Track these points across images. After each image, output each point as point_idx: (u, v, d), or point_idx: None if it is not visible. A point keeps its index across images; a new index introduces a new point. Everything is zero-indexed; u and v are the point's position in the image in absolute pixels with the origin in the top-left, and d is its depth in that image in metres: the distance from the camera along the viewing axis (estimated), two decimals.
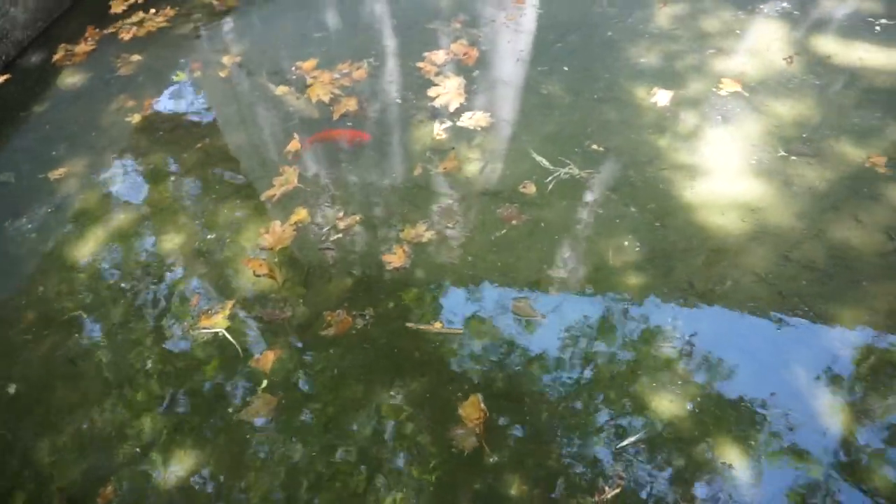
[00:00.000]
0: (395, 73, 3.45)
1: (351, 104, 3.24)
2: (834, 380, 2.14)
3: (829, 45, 3.35)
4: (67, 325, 2.49)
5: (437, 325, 2.31)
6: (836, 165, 2.76)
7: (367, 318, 2.37)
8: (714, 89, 3.15)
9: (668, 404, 2.10)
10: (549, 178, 2.81)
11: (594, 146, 2.92)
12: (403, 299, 2.43)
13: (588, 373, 2.20)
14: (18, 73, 3.72)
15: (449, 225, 2.66)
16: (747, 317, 2.32)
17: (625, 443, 2.00)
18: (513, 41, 3.58)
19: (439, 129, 3.06)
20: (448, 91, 3.23)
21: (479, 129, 3.06)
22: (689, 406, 2.10)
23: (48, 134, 3.32)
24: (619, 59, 3.38)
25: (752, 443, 2.01)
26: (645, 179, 2.78)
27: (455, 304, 2.42)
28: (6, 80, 3.63)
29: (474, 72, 3.39)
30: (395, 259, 2.51)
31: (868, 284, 2.36)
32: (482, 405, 2.10)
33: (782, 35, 3.44)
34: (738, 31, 3.49)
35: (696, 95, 3.15)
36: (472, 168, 2.89)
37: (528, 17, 3.74)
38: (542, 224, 2.65)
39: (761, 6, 3.64)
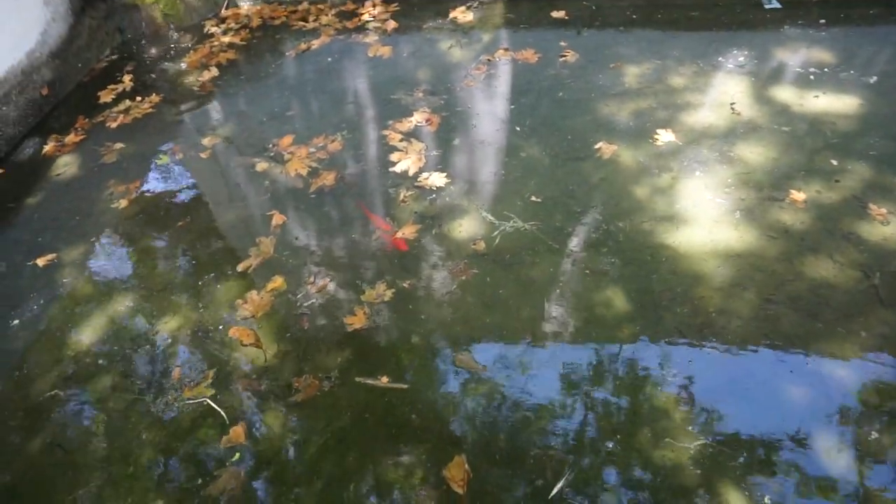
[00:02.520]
0: (366, 143, 3.65)
1: (329, 177, 3.42)
2: (827, 416, 2.19)
3: (784, 94, 3.53)
4: (59, 410, 2.58)
5: (384, 379, 2.42)
6: (808, 207, 2.89)
7: (333, 379, 2.48)
8: (683, 141, 3.33)
9: (660, 452, 2.15)
10: (495, 233, 2.98)
11: (533, 197, 3.09)
12: (363, 358, 2.55)
13: (554, 423, 2.29)
14: (11, 167, 3.95)
15: (406, 284, 2.80)
16: (738, 361, 2.38)
17: (555, 490, 2.07)
18: (472, 105, 3.79)
19: (405, 195, 3.23)
20: (410, 156, 3.43)
21: (438, 189, 3.24)
22: (684, 453, 2.14)
23: (38, 223, 3.50)
24: (574, 117, 3.58)
25: (753, 488, 2.05)
26: (625, 232, 2.90)
27: (408, 359, 2.54)
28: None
29: (438, 136, 3.59)
30: (355, 320, 2.64)
31: (850, 321, 2.44)
32: (466, 466, 2.16)
33: (739, 88, 3.64)
34: (698, 87, 3.70)
35: (662, 148, 3.32)
36: (436, 228, 3.05)
37: (486, 83, 3.97)
38: (489, 279, 2.78)
39: (716, 62, 3.85)
